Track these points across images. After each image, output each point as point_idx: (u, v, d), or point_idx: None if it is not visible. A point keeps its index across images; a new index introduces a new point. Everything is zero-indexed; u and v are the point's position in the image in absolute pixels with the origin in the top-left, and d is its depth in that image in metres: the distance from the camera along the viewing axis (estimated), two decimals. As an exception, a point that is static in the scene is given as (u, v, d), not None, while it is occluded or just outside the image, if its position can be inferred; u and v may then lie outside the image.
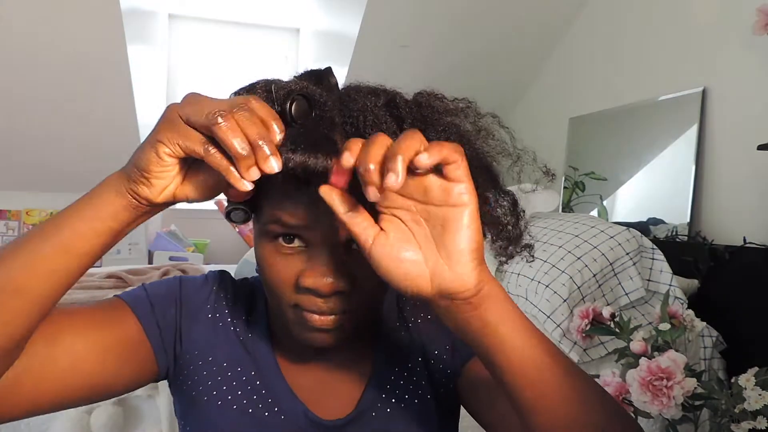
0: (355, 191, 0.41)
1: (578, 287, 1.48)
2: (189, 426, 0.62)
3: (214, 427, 0.59)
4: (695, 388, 1.04)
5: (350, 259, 0.51)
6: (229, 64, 3.55)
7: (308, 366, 0.63)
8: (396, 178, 0.37)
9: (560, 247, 1.58)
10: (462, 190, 0.40)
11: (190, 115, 0.44)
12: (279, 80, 0.52)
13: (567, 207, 2.37)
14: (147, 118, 2.84)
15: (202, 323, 0.62)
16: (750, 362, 1.14)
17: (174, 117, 0.44)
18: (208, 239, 3.35)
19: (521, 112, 2.92)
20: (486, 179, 0.57)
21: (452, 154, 0.39)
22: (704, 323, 1.30)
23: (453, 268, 0.41)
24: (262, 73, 0.57)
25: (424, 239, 0.42)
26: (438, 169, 0.40)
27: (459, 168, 0.39)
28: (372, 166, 0.38)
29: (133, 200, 0.46)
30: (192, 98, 0.46)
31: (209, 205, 3.51)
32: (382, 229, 0.43)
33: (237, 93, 0.52)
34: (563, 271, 1.50)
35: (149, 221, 3.09)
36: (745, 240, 1.61)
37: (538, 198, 1.91)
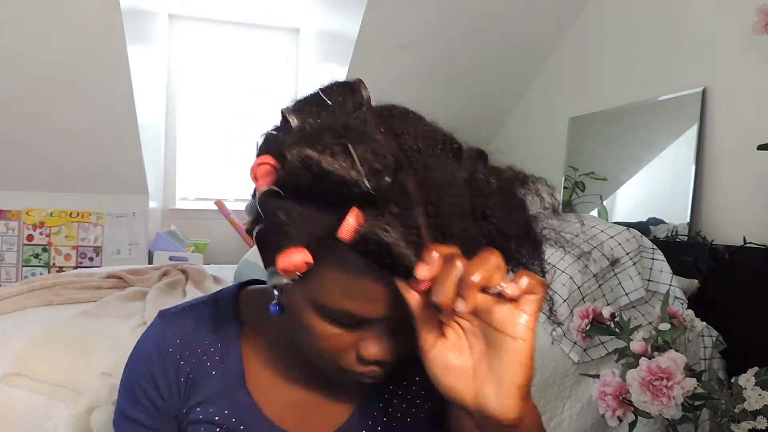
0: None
1: (578, 287, 1.48)
2: None
3: None
4: (695, 388, 1.04)
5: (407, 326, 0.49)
6: (229, 64, 3.55)
7: (288, 388, 0.62)
8: (465, 306, 0.38)
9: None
10: (525, 323, 0.39)
11: None
12: (349, 127, 0.44)
13: (567, 207, 2.37)
14: (147, 118, 2.84)
15: (178, 388, 0.61)
16: (750, 362, 1.14)
17: None
18: (208, 239, 3.35)
19: (521, 112, 2.92)
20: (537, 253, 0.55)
21: (536, 288, 0.39)
22: (704, 323, 1.30)
23: (498, 396, 0.40)
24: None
25: (478, 355, 0.42)
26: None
27: (534, 303, 0.39)
28: (447, 299, 0.38)
29: None
30: None
31: (209, 205, 3.51)
32: (443, 333, 0.43)
33: (295, 142, 0.43)
34: (563, 271, 1.50)
35: (149, 221, 3.09)
36: (745, 240, 1.61)
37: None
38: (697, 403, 1.10)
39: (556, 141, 2.55)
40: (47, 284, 1.66)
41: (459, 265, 0.39)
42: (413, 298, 0.42)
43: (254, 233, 0.47)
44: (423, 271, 0.39)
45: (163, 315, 0.65)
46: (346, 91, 0.49)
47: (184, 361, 0.61)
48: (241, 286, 0.68)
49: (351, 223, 0.41)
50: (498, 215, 0.47)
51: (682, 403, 1.04)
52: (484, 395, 0.41)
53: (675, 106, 1.97)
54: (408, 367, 0.62)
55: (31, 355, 1.21)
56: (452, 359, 0.42)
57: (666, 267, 1.61)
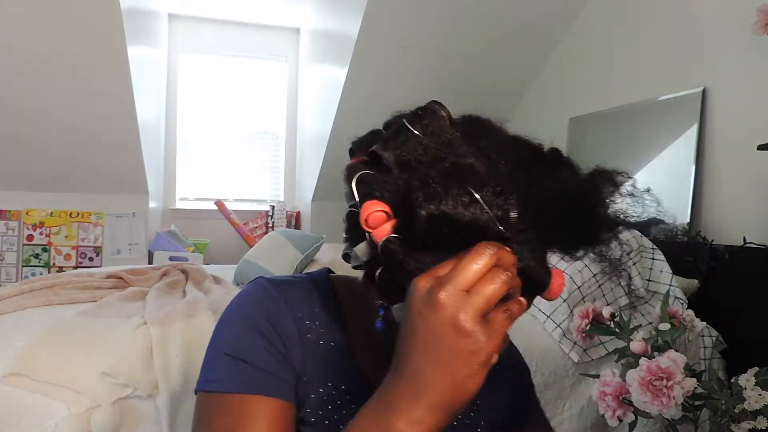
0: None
1: (578, 287, 1.48)
2: None
3: None
4: (695, 388, 1.04)
5: None
6: (229, 64, 3.55)
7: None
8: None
9: (560, 247, 1.58)
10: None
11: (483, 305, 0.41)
12: (464, 169, 0.45)
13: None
14: (147, 118, 2.84)
15: (299, 345, 0.59)
16: (750, 362, 1.14)
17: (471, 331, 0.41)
18: (208, 239, 3.35)
19: (521, 112, 2.92)
20: None
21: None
22: (704, 323, 1.30)
23: None
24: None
25: None
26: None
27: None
28: None
29: None
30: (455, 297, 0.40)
31: (209, 205, 3.51)
32: None
33: (425, 183, 0.44)
34: (563, 271, 1.50)
35: (149, 221, 3.09)
36: (745, 240, 1.61)
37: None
38: (697, 403, 1.10)
39: (556, 141, 2.51)
40: (47, 284, 1.66)
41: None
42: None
43: (376, 275, 0.47)
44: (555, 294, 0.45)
45: (265, 278, 0.63)
46: (428, 115, 0.50)
47: (297, 320, 0.59)
48: (329, 271, 0.69)
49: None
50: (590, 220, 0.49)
51: (682, 403, 1.04)
52: None
53: (675, 106, 1.97)
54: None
55: (31, 355, 1.21)
56: None
57: (666, 267, 1.61)
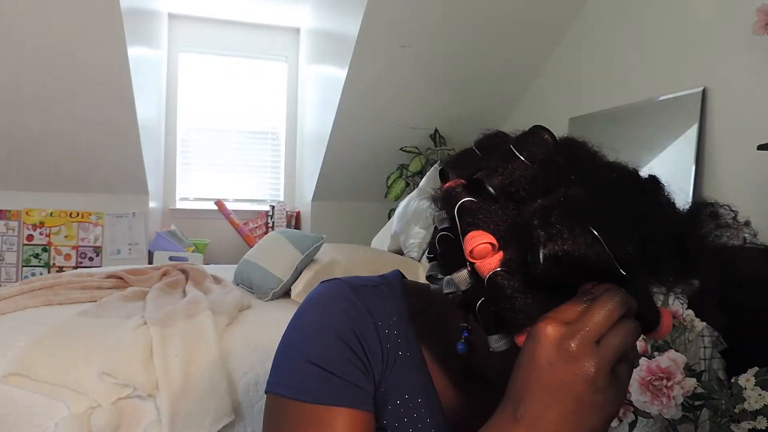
0: None
1: (578, 287, 1.47)
2: None
3: None
4: (695, 388, 1.04)
5: None
6: (229, 64, 3.55)
7: (461, 386, 0.61)
8: None
9: (560, 247, 1.58)
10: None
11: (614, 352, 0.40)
12: (581, 205, 0.44)
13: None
14: (147, 118, 2.84)
15: (381, 356, 0.58)
16: (750, 362, 1.14)
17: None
18: (208, 239, 3.36)
19: (521, 112, 2.92)
20: None
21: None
22: (704, 323, 1.29)
23: None
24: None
25: None
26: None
27: None
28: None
29: None
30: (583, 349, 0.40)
31: (209, 205, 3.51)
32: None
33: (545, 221, 0.43)
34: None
35: (149, 221, 3.09)
36: (745, 240, 1.61)
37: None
38: (697, 403, 1.10)
39: (556, 141, 2.55)
40: (47, 284, 1.66)
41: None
42: None
43: (477, 306, 0.47)
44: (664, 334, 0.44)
45: (345, 281, 0.61)
46: (536, 141, 0.49)
47: (378, 330, 0.58)
48: (402, 276, 0.68)
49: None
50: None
51: (682, 403, 1.04)
52: None
53: (675, 106, 1.97)
54: None
55: (31, 355, 1.21)
56: None
57: (666, 267, 1.61)
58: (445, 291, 0.49)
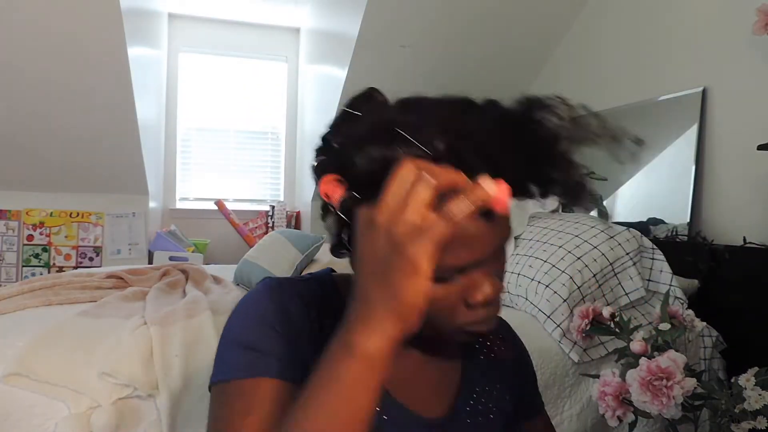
0: None
1: (578, 287, 1.48)
2: None
3: None
4: (695, 388, 1.04)
5: (502, 259, 0.55)
6: (229, 64, 3.55)
7: (400, 363, 0.62)
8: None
9: (560, 247, 1.58)
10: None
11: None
12: (390, 120, 0.50)
13: (567, 207, 2.37)
14: (147, 118, 2.83)
15: (305, 342, 0.59)
16: (750, 362, 1.14)
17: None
18: (208, 239, 3.35)
19: (521, 112, 2.92)
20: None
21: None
22: (704, 323, 1.30)
23: None
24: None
25: None
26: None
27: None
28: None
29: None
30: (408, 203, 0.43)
31: (209, 205, 3.51)
32: None
33: (349, 142, 0.51)
34: (563, 271, 1.50)
35: (149, 221, 3.09)
36: (745, 240, 1.61)
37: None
38: (697, 403, 1.10)
39: (556, 141, 2.55)
40: (47, 284, 1.66)
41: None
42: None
43: (345, 239, 0.52)
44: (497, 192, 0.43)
45: (274, 278, 0.63)
46: (366, 98, 0.56)
47: (309, 316, 0.60)
48: (332, 270, 0.70)
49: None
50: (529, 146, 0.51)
51: (682, 403, 1.04)
52: None
53: (675, 106, 1.97)
54: (494, 368, 0.69)
55: (31, 355, 1.21)
56: None
57: (666, 267, 1.61)
58: (331, 247, 0.54)
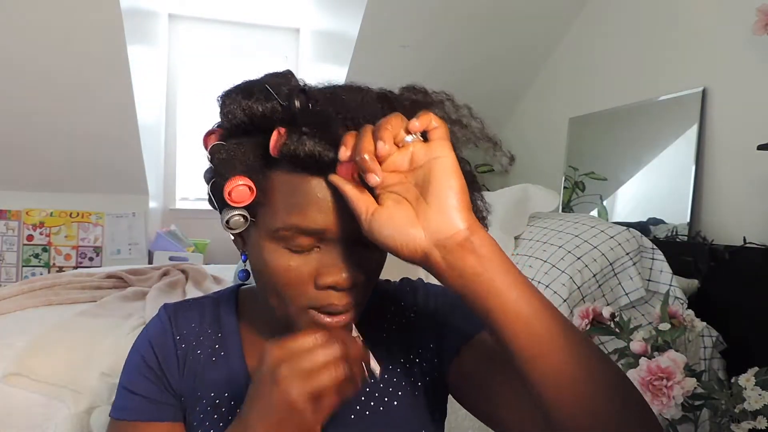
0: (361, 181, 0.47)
1: (578, 287, 1.48)
2: None
3: None
4: (695, 388, 1.04)
5: (361, 254, 0.54)
6: (229, 64, 3.55)
7: None
8: (383, 145, 0.43)
9: (560, 247, 1.58)
10: (441, 144, 0.46)
11: None
12: (267, 79, 0.57)
13: (567, 207, 2.37)
14: (147, 118, 2.83)
15: (177, 367, 0.64)
16: (750, 362, 1.14)
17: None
18: (208, 239, 3.35)
19: (521, 112, 2.92)
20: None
21: (436, 119, 0.46)
22: (704, 323, 1.30)
23: (442, 213, 0.45)
24: (259, 74, 0.59)
25: (415, 200, 0.46)
26: (423, 137, 0.46)
27: (440, 128, 0.46)
28: (366, 156, 0.44)
29: None
30: None
31: (209, 205, 3.51)
32: (380, 205, 0.48)
33: (228, 94, 0.58)
34: (563, 271, 1.50)
35: (149, 221, 3.09)
36: (745, 240, 1.61)
37: (538, 198, 1.91)
38: (697, 403, 1.10)
39: (556, 141, 2.55)
40: (47, 284, 1.66)
41: (367, 130, 0.45)
42: (345, 186, 0.47)
43: (209, 187, 0.57)
44: (342, 152, 0.46)
45: (165, 305, 0.70)
46: (279, 79, 0.58)
47: (184, 342, 0.65)
48: (240, 286, 0.72)
49: (274, 136, 0.50)
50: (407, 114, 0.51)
51: (682, 403, 1.04)
52: (431, 224, 0.45)
53: (675, 106, 1.97)
54: (396, 344, 0.66)
55: (31, 355, 1.21)
56: (393, 214, 0.46)
57: (666, 267, 1.61)
58: (219, 206, 0.59)
